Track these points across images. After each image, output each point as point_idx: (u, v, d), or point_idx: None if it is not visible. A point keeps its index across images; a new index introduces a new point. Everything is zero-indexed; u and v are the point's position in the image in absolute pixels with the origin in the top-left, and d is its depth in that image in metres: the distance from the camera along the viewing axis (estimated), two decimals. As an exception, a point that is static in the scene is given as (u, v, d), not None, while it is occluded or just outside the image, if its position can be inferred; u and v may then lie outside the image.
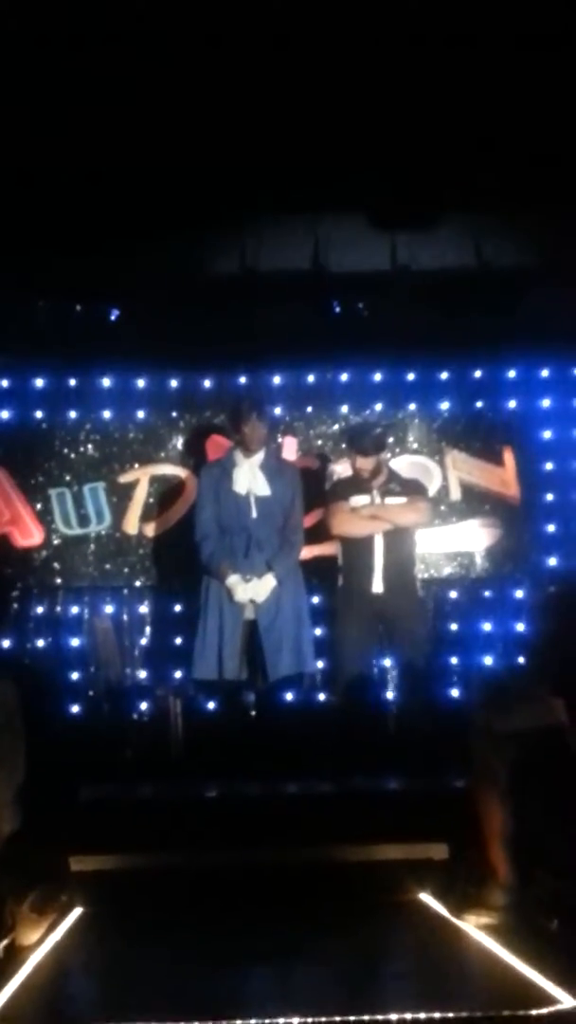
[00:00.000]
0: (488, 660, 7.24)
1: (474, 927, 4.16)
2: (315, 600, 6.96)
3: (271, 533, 6.38)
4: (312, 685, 6.84)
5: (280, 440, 7.55)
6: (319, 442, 7.67)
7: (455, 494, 7.59)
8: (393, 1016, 3.21)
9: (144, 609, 7.52)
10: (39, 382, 7.66)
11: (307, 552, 6.86)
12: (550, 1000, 3.33)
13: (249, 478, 6.41)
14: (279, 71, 5.96)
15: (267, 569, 6.29)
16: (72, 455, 7.63)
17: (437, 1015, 3.22)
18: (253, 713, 6.49)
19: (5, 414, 7.64)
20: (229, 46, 5.80)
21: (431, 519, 6.86)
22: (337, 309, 7.47)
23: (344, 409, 7.70)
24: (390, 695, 6.96)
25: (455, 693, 7.08)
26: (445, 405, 7.71)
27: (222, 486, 6.44)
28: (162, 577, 7.48)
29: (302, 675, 6.48)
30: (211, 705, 6.69)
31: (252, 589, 6.26)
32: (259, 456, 6.47)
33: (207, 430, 7.61)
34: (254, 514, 6.38)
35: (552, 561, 7.52)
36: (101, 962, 4.08)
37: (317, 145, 6.45)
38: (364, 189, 6.91)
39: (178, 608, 7.26)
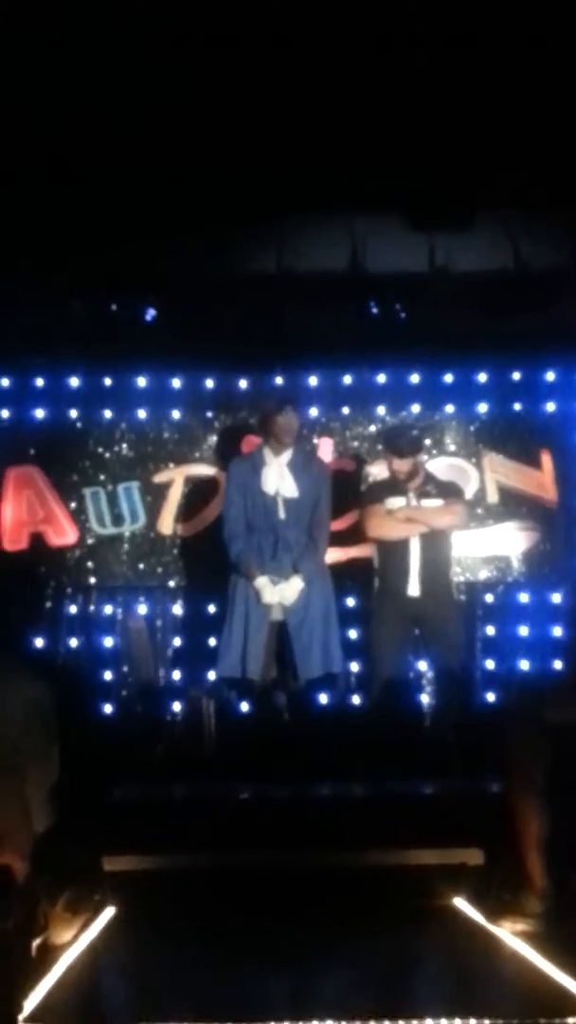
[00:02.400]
0: (524, 664, 7.17)
1: (509, 934, 4.15)
2: (350, 603, 6.97)
3: (299, 534, 6.37)
4: (346, 687, 6.81)
5: (316, 441, 7.53)
6: (355, 443, 7.63)
7: (492, 497, 7.52)
8: (429, 1022, 3.20)
9: (177, 609, 7.50)
10: (74, 381, 7.66)
11: (343, 554, 6.86)
12: (587, 1009, 3.30)
13: (277, 478, 6.40)
14: (319, 71, 5.96)
15: (294, 571, 6.28)
16: (106, 454, 7.64)
17: (472, 1022, 3.20)
18: (286, 715, 6.47)
19: (40, 413, 7.64)
20: (271, 46, 5.80)
21: (467, 522, 6.84)
22: (374, 310, 7.44)
23: (381, 411, 7.65)
24: (425, 698, 6.93)
25: (490, 697, 7.02)
26: (482, 407, 7.65)
27: (250, 485, 6.43)
28: (196, 577, 7.45)
29: (333, 675, 6.44)
30: (244, 706, 6.67)
31: (280, 592, 6.26)
32: (287, 454, 6.45)
33: (242, 430, 7.58)
34: (282, 515, 6.37)
35: (589, 564, 7.43)
36: (133, 962, 4.10)
37: (355, 145, 6.45)
38: (402, 190, 6.91)
39: (212, 609, 7.21)
